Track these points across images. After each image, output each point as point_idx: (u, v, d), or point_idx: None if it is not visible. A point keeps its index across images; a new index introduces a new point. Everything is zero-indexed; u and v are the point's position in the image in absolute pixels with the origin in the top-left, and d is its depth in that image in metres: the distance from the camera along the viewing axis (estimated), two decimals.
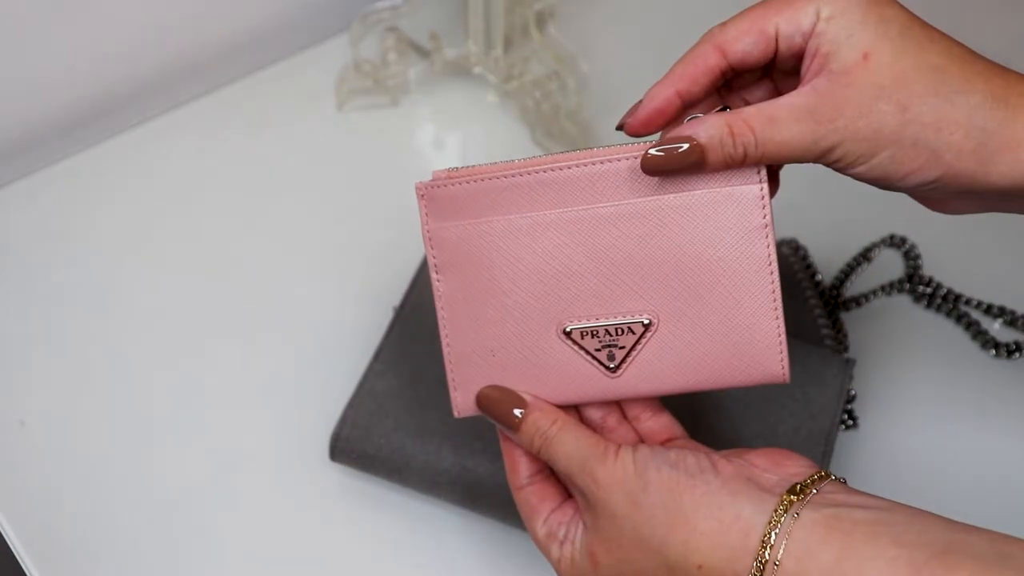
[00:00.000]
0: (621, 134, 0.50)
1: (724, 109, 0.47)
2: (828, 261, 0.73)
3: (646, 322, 0.49)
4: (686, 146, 0.46)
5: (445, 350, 0.51)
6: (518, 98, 0.79)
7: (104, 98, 0.78)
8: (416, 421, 0.63)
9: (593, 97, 0.79)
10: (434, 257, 0.50)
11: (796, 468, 0.47)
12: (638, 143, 0.48)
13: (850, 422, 0.66)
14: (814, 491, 0.45)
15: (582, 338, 0.49)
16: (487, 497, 0.61)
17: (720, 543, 0.44)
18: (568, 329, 0.49)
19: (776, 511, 0.44)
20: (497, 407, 0.50)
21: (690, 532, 0.45)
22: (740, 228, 0.47)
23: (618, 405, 0.52)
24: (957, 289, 0.71)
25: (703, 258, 0.48)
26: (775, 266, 0.48)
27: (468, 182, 0.49)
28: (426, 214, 0.50)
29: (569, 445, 0.48)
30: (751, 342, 0.48)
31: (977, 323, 0.70)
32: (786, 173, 0.50)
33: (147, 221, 0.75)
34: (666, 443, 0.51)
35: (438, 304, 0.50)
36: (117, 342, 0.70)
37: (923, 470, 0.65)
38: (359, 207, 0.75)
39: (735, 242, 0.47)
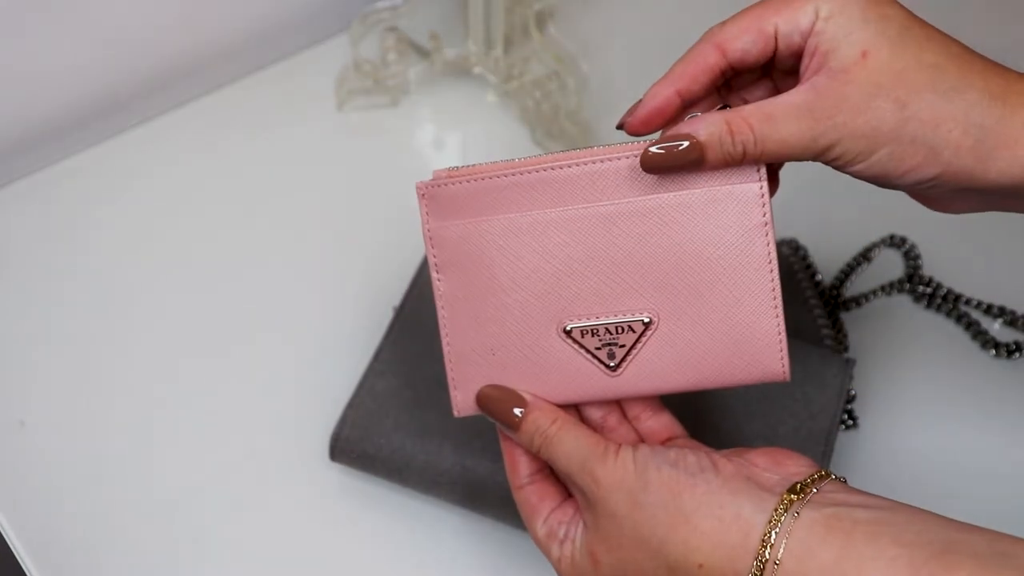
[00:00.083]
0: (621, 133, 0.50)
1: (724, 107, 0.47)
2: (828, 261, 0.73)
3: (646, 320, 0.49)
4: (686, 144, 0.46)
5: (445, 349, 0.51)
6: (518, 98, 0.79)
7: (104, 98, 0.78)
8: (416, 421, 0.63)
9: (593, 97, 0.79)
10: (434, 256, 0.50)
11: (796, 467, 0.47)
12: (638, 142, 0.48)
13: (850, 422, 0.66)
14: (814, 490, 0.45)
15: (582, 337, 0.49)
16: (487, 497, 0.61)
17: (720, 542, 0.44)
18: (568, 328, 0.49)
19: (776, 510, 0.44)
20: (497, 406, 0.50)
21: (690, 531, 0.45)
22: (740, 226, 0.47)
23: (618, 404, 0.52)
24: (957, 289, 0.71)
25: (703, 256, 0.48)
26: (775, 264, 0.48)
27: (468, 181, 0.49)
28: (427, 213, 0.50)
29: (569, 444, 0.48)
30: (751, 340, 0.48)
31: (977, 323, 0.70)
32: (786, 173, 0.50)
33: (147, 221, 0.75)
34: (666, 442, 0.51)
35: (438, 303, 0.50)
36: (117, 342, 0.70)
37: (923, 470, 0.65)
38: (359, 207, 0.75)
39: (735, 240, 0.47)
